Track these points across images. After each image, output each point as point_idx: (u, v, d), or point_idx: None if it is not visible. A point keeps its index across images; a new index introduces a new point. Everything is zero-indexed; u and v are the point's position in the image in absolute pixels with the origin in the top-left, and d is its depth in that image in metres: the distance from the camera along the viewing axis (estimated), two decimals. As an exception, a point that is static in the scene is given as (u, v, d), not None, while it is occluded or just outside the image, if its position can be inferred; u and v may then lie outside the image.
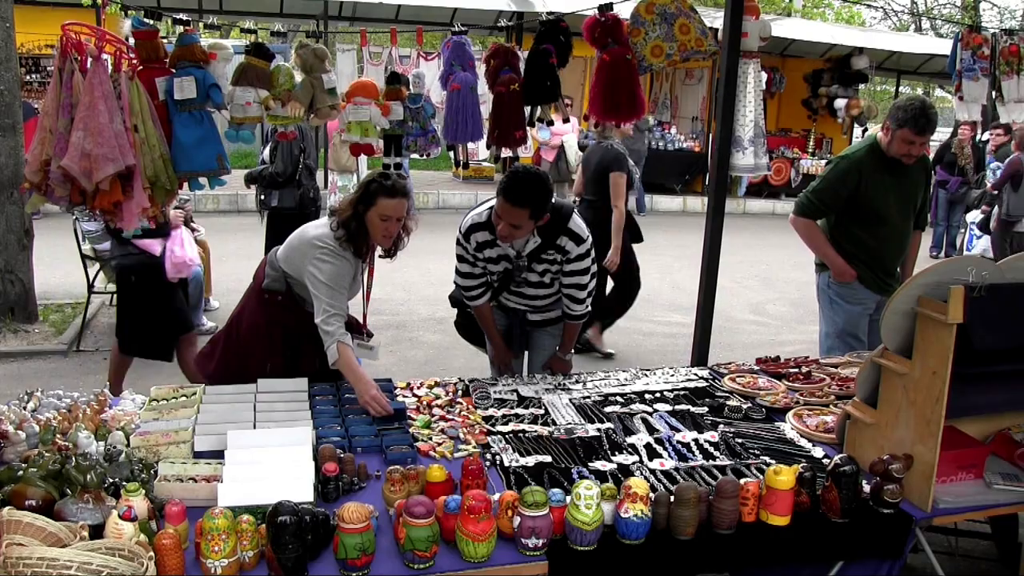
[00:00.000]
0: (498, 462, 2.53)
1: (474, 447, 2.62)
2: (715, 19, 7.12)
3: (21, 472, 2.04)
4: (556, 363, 3.54)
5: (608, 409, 2.96)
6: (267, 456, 2.29)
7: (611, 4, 3.80)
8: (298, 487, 2.13)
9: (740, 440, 2.73)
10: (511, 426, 2.79)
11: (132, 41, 3.30)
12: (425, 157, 4.37)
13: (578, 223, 3.21)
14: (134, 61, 3.28)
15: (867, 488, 2.36)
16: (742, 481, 2.24)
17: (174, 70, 3.28)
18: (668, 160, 14.01)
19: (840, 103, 14.73)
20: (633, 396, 3.10)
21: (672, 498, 2.16)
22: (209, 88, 3.30)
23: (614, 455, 2.59)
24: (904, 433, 2.42)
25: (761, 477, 2.33)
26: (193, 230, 5.72)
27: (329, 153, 8.89)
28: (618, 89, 3.81)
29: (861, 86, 15.51)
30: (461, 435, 2.70)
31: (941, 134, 13.37)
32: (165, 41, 3.41)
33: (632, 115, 3.91)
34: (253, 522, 1.93)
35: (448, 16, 12.96)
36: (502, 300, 3.48)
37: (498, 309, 3.53)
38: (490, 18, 13.73)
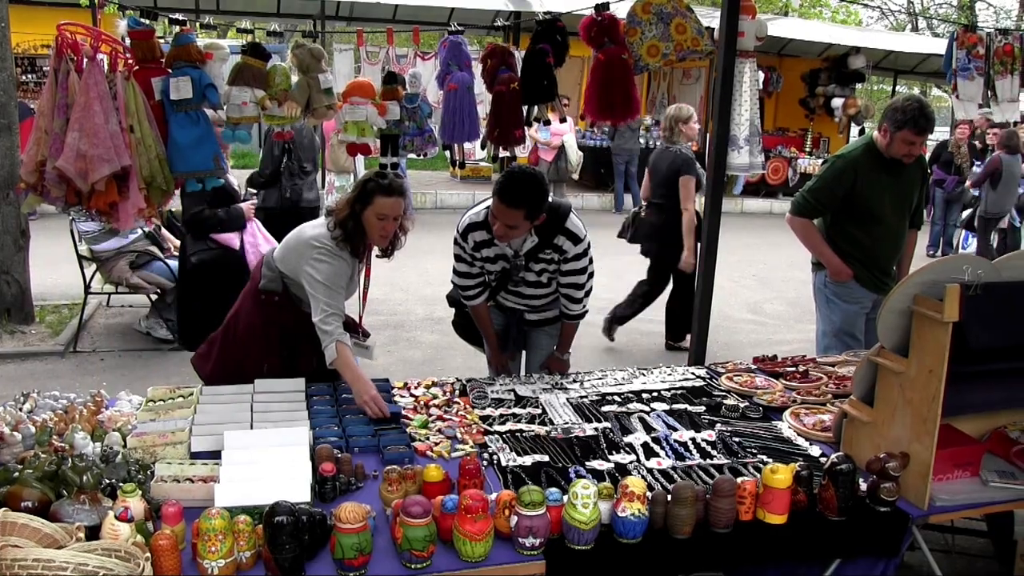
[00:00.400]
0: (495, 462, 2.52)
1: (471, 447, 2.61)
2: (711, 18, 7.12)
3: (17, 473, 2.04)
4: (554, 363, 3.54)
5: (605, 408, 2.96)
6: (264, 456, 2.29)
7: (607, 4, 3.80)
8: (295, 487, 2.13)
9: (737, 439, 2.73)
10: (508, 426, 2.79)
11: (128, 41, 3.29)
12: (422, 157, 4.37)
13: (575, 223, 3.21)
14: (130, 61, 3.28)
15: (864, 486, 2.36)
16: (739, 480, 2.24)
17: (170, 70, 3.28)
18: (667, 159, 13.99)
19: (837, 102, 14.74)
20: (630, 395, 3.10)
21: (669, 497, 2.16)
22: (205, 88, 3.30)
23: (611, 454, 2.59)
24: (901, 431, 2.42)
25: (758, 476, 2.33)
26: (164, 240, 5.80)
27: (326, 153, 8.89)
28: (613, 89, 3.82)
29: (858, 85, 15.53)
30: (458, 435, 2.70)
31: (939, 133, 13.39)
32: (161, 41, 3.41)
33: (626, 115, 3.91)
34: (250, 522, 1.93)
35: (445, 16, 12.93)
36: (500, 299, 3.48)
37: (496, 308, 3.53)
38: (487, 18, 13.73)
